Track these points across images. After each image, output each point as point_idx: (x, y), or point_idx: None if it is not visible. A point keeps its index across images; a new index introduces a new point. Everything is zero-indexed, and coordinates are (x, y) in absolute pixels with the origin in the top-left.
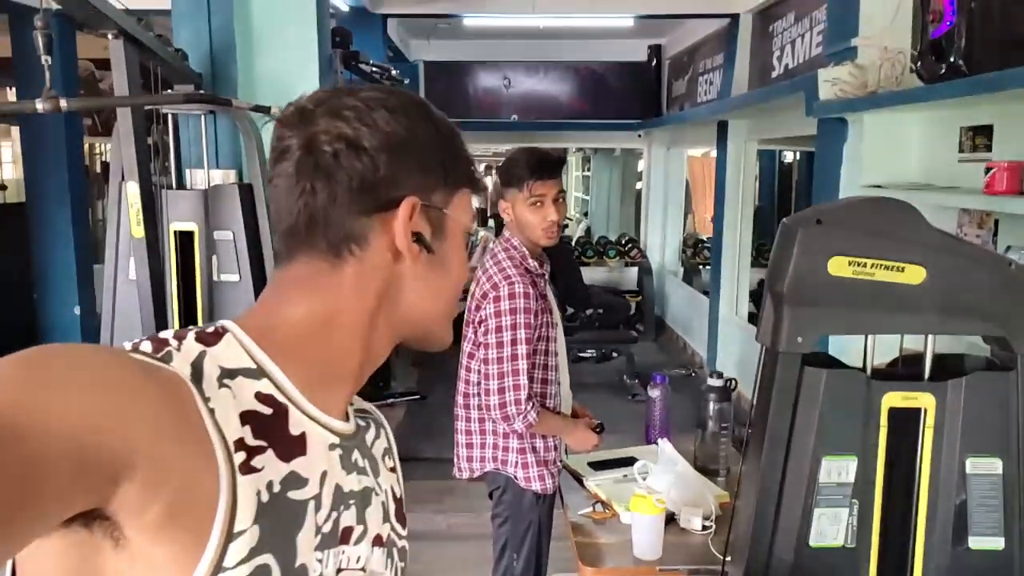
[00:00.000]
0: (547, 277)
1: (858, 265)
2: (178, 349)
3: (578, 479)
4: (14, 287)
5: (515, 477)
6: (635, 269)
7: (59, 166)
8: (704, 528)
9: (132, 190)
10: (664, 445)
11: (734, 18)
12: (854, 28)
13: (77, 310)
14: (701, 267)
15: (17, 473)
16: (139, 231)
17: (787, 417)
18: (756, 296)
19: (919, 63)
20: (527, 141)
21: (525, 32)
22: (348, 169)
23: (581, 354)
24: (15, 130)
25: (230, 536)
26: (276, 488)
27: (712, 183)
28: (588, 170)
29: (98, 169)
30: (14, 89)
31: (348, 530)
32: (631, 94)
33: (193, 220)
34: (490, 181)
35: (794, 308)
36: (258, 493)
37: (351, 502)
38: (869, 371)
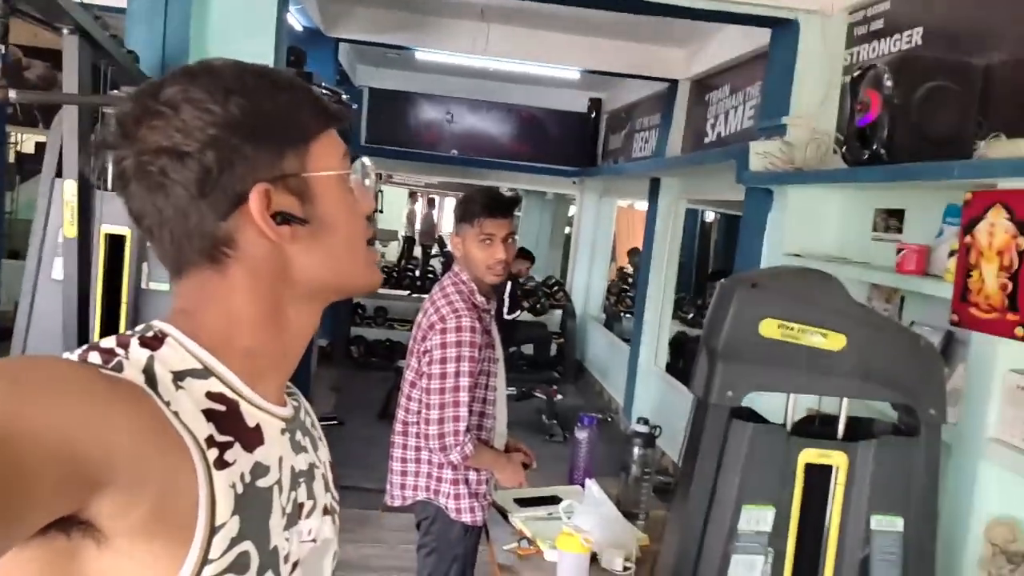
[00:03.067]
0: (493, 313)
1: (787, 328)
2: (126, 357)
3: (503, 514)
4: None
5: (446, 508)
6: (559, 312)
7: None
8: (625, 569)
9: (70, 189)
10: (592, 486)
11: (673, 83)
12: (785, 107)
13: None
14: (623, 314)
15: (3, 483)
16: (72, 231)
17: (713, 465)
18: (674, 346)
19: (844, 147)
20: (465, 177)
21: (473, 71)
22: (181, 182)
23: None
24: None
25: (213, 529)
26: (248, 479)
27: (634, 233)
28: (519, 211)
29: (10, 159)
30: None
31: (301, 506)
32: (569, 142)
33: (126, 224)
34: (419, 207)
35: (727, 364)
36: (233, 486)
37: (301, 480)
38: (789, 427)
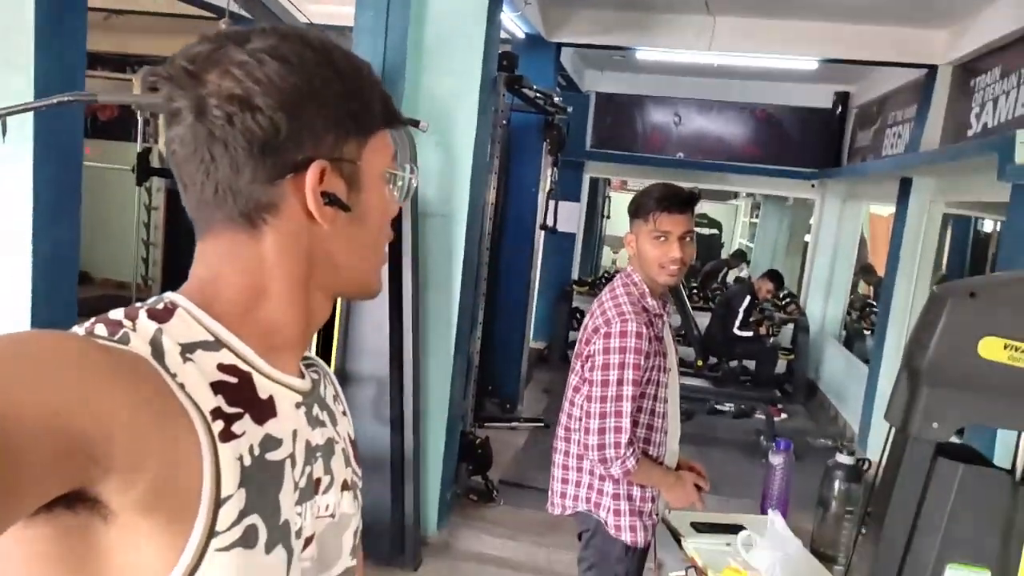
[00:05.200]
0: (666, 319)
1: (1016, 350)
2: (133, 329)
3: (677, 538)
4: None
5: (606, 522)
6: (791, 326)
7: None
8: None
9: None
10: (775, 519)
11: (932, 69)
12: None
13: None
14: (867, 332)
15: None
16: None
17: (911, 511)
18: None
19: None
20: (692, 181)
21: (700, 69)
22: (245, 133)
23: (718, 407)
24: None
25: (219, 502)
26: (256, 451)
27: None
28: (757, 217)
29: None
30: None
31: (318, 481)
32: (808, 141)
33: None
34: None
35: (933, 389)
36: (240, 458)
37: (318, 455)
38: (1019, 474)
